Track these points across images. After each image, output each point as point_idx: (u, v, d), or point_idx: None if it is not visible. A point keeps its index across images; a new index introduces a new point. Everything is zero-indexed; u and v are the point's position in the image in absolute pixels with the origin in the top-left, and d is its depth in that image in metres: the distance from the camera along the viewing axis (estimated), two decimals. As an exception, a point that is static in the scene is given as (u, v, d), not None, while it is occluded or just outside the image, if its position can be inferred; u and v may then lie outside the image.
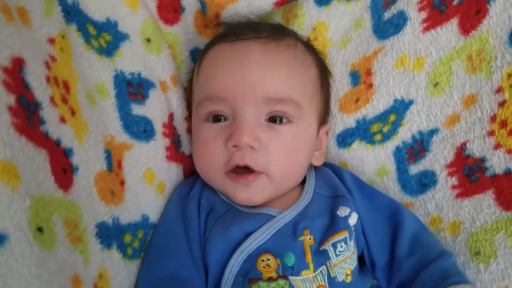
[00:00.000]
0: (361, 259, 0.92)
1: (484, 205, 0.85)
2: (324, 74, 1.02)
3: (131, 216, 0.84)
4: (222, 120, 0.89)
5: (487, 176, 0.85)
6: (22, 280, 0.51)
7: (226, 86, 0.88)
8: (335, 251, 0.84)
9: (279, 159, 0.87)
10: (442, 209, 0.92)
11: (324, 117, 1.03)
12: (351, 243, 0.87)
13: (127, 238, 0.82)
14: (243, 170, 0.87)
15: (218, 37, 1.00)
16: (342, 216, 0.87)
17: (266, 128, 0.87)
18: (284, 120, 0.88)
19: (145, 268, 0.85)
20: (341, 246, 0.84)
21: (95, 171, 0.75)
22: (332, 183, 0.97)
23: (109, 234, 0.76)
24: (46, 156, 0.61)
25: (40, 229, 0.56)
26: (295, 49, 0.94)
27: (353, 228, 0.88)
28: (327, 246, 0.84)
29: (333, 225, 0.86)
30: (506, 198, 0.82)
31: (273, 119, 0.88)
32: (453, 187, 0.90)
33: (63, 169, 0.66)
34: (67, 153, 0.67)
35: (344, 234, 0.86)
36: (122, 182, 0.83)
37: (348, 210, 0.87)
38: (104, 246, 0.74)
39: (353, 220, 0.87)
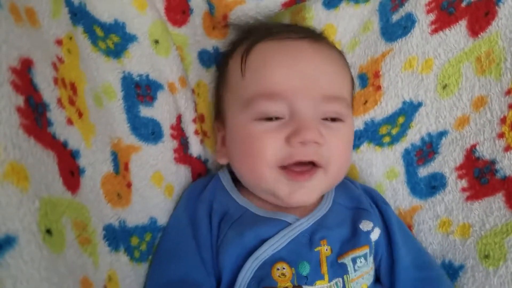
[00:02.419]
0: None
1: (494, 207, 0.84)
2: (352, 75, 1.02)
3: (139, 218, 0.84)
4: (274, 119, 0.86)
5: (497, 179, 0.84)
6: (31, 282, 0.51)
7: (284, 82, 0.86)
8: (354, 266, 0.83)
9: (339, 154, 0.88)
10: (451, 211, 0.91)
11: None
12: (370, 259, 0.86)
13: (134, 240, 0.82)
14: (299, 168, 0.85)
15: (258, 35, 0.96)
16: (364, 230, 0.86)
17: (323, 125, 0.86)
18: (336, 119, 0.89)
19: (153, 271, 0.85)
20: (361, 262, 0.84)
21: (102, 173, 0.75)
22: (354, 195, 0.96)
23: (116, 236, 0.76)
24: (54, 158, 0.61)
25: (49, 231, 0.56)
26: (333, 49, 0.97)
27: (373, 243, 0.87)
28: (347, 260, 0.83)
29: (354, 239, 0.85)
30: (516, 201, 0.81)
31: (326, 118, 0.88)
32: (463, 189, 0.90)
33: (71, 171, 0.66)
34: (74, 155, 0.67)
35: (365, 250, 0.85)
36: (129, 185, 0.83)
37: (371, 224, 0.87)
38: (112, 248, 0.74)
39: (375, 235, 0.87)
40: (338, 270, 0.82)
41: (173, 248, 0.87)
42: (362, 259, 0.84)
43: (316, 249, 0.82)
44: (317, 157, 0.84)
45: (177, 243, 0.88)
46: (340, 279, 0.81)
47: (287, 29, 0.96)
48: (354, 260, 0.83)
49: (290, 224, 0.85)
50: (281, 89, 0.86)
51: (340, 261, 0.82)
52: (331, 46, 0.98)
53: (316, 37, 0.95)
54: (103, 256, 0.71)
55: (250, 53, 0.93)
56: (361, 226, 0.86)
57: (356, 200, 0.94)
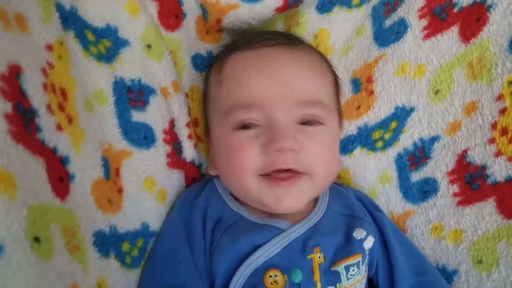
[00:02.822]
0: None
1: (486, 213, 0.85)
2: (336, 78, 1.02)
3: (130, 224, 0.83)
4: (253, 127, 0.87)
5: (488, 184, 0.85)
6: None
7: (258, 91, 0.87)
8: (347, 274, 0.83)
9: (320, 158, 0.86)
10: (443, 216, 0.91)
11: (340, 121, 1.02)
12: (363, 267, 0.86)
13: (125, 246, 0.81)
14: (282, 174, 0.85)
15: (234, 45, 0.98)
16: (358, 238, 0.85)
17: (300, 131, 0.86)
18: (315, 123, 0.88)
19: (147, 276, 0.85)
20: (353, 270, 0.83)
21: (92, 179, 0.74)
22: (348, 202, 0.96)
23: (107, 242, 0.75)
24: (43, 164, 0.61)
25: (37, 239, 0.56)
26: (312, 54, 0.96)
27: (367, 252, 0.87)
28: (340, 268, 0.83)
29: (348, 246, 0.85)
30: (508, 206, 0.82)
31: (304, 122, 0.87)
32: (455, 194, 0.90)
33: (60, 177, 0.65)
34: (63, 161, 0.67)
35: (358, 258, 0.85)
36: (120, 190, 0.83)
37: (365, 233, 0.86)
38: (102, 254, 0.74)
39: (368, 244, 0.86)
40: (331, 278, 0.82)
41: (167, 254, 0.87)
42: (355, 268, 0.83)
43: (309, 257, 0.82)
44: (296, 164, 0.84)
45: (172, 249, 0.87)
46: (333, 287, 0.81)
47: (262, 37, 0.95)
48: (347, 268, 0.83)
49: (283, 230, 0.85)
50: (255, 99, 0.86)
51: (333, 269, 0.82)
52: (309, 50, 0.97)
53: (292, 42, 0.95)
54: (92, 262, 0.71)
55: (226, 64, 0.94)
56: (354, 234, 0.85)
57: (351, 208, 0.94)
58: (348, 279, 0.82)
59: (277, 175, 0.84)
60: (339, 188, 1.00)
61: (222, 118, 0.91)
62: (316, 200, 0.94)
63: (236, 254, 0.82)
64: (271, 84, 0.86)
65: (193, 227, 0.89)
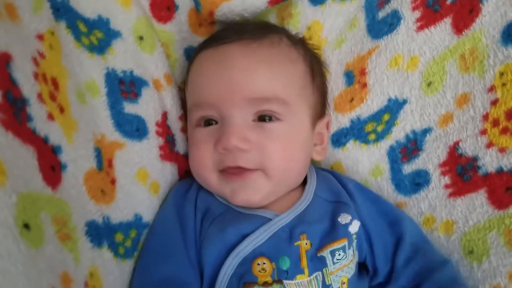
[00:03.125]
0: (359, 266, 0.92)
1: (477, 204, 0.85)
2: (315, 67, 1.00)
3: (123, 215, 0.83)
4: (214, 124, 0.90)
5: (479, 175, 0.85)
6: (8, 276, 0.51)
7: (211, 91, 0.89)
8: (332, 259, 0.83)
9: (275, 155, 0.86)
10: (435, 208, 0.92)
11: (320, 110, 1.01)
12: (350, 252, 0.86)
13: (119, 237, 0.81)
14: (239, 170, 0.86)
15: (204, 43, 1.00)
16: (343, 223, 0.86)
17: (255, 128, 0.87)
18: (273, 119, 0.88)
19: (142, 269, 0.85)
20: (339, 254, 0.84)
21: (84, 170, 0.74)
22: (335, 188, 0.96)
23: (100, 232, 0.75)
24: (34, 153, 0.61)
25: (26, 226, 0.56)
26: (278, 45, 0.93)
27: (354, 236, 0.87)
28: (325, 253, 0.83)
29: (333, 232, 0.86)
30: (498, 197, 0.82)
31: (263, 118, 0.88)
32: (446, 186, 0.90)
33: (51, 166, 0.65)
34: (55, 150, 0.67)
35: (343, 242, 0.85)
36: (113, 181, 0.83)
37: (349, 217, 0.87)
38: (95, 244, 0.74)
39: (354, 228, 0.87)
40: (318, 264, 0.82)
41: (161, 247, 0.87)
42: (341, 252, 0.84)
43: (296, 244, 0.83)
44: (245, 163, 0.85)
45: (165, 242, 0.88)
46: (320, 273, 0.82)
47: (228, 32, 0.96)
48: (332, 253, 0.83)
49: (270, 220, 0.86)
50: (208, 97, 0.89)
51: (319, 254, 0.83)
52: (274, 42, 0.94)
53: (257, 35, 0.93)
54: (84, 252, 0.70)
55: (193, 63, 0.98)
56: (339, 220, 0.86)
57: (337, 194, 0.94)
58: (334, 263, 0.83)
59: (230, 171, 0.87)
60: (327, 174, 1.01)
61: (188, 115, 0.97)
62: (303, 189, 0.94)
63: (224, 245, 0.83)
64: (221, 83, 0.88)
65: (186, 219, 0.89)
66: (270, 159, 0.86)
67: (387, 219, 0.94)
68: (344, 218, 0.86)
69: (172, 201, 0.94)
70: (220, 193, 0.91)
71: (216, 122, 0.90)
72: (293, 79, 0.92)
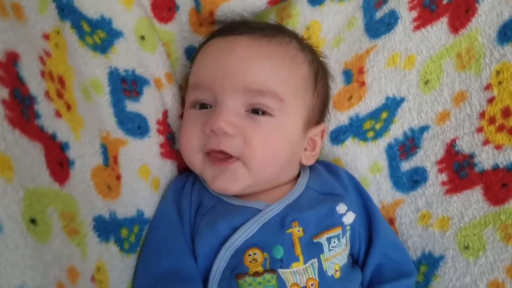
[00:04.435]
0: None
1: (473, 200, 0.87)
2: (320, 75, 1.00)
3: (127, 210, 0.85)
4: (207, 107, 0.91)
5: (475, 172, 0.86)
6: (15, 269, 0.52)
7: (210, 74, 0.90)
8: (329, 246, 0.85)
9: (256, 147, 0.86)
10: (431, 205, 0.93)
11: (318, 116, 1.01)
12: (343, 240, 0.88)
13: (124, 232, 0.82)
14: (222, 156, 0.87)
15: (216, 31, 1.02)
16: (339, 212, 0.88)
17: (244, 117, 0.87)
18: (265, 113, 0.88)
19: (144, 263, 0.86)
20: (334, 242, 0.86)
21: (91, 166, 0.75)
22: (329, 182, 0.97)
23: (107, 227, 0.76)
24: (41, 150, 0.62)
25: (33, 221, 0.57)
26: (286, 46, 0.94)
27: (348, 227, 0.89)
28: (322, 239, 0.85)
29: (329, 220, 0.88)
30: (494, 193, 0.84)
31: (255, 111, 0.88)
32: (443, 183, 0.92)
33: (59, 162, 0.66)
34: (63, 147, 0.68)
35: (338, 231, 0.87)
36: (119, 177, 0.84)
37: (346, 208, 0.89)
38: (102, 239, 0.75)
39: (348, 219, 0.89)
40: (314, 250, 0.84)
41: (162, 240, 0.88)
42: (336, 240, 0.86)
43: (288, 231, 0.84)
44: (228, 148, 0.85)
45: (166, 235, 0.89)
46: (316, 260, 0.83)
47: (239, 26, 0.97)
48: (329, 240, 0.85)
49: (261, 211, 0.87)
50: (206, 80, 0.90)
51: (315, 240, 0.85)
52: (283, 42, 0.94)
53: (268, 33, 0.94)
54: (92, 246, 0.71)
55: (201, 49, 0.99)
56: (337, 209, 0.89)
57: (331, 187, 0.96)
58: (330, 250, 0.85)
59: (213, 155, 0.88)
60: (320, 169, 1.02)
61: (185, 96, 0.99)
62: (296, 182, 0.96)
63: (215, 238, 0.84)
64: (220, 68, 0.88)
65: (183, 214, 0.91)
66: (251, 150, 0.85)
67: (368, 219, 0.96)
68: (340, 208, 0.89)
69: (171, 196, 0.95)
70: (203, 176, 0.92)
71: (210, 107, 0.91)
72: (293, 79, 0.92)
